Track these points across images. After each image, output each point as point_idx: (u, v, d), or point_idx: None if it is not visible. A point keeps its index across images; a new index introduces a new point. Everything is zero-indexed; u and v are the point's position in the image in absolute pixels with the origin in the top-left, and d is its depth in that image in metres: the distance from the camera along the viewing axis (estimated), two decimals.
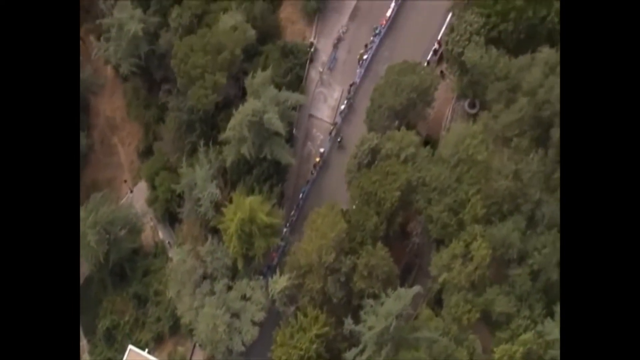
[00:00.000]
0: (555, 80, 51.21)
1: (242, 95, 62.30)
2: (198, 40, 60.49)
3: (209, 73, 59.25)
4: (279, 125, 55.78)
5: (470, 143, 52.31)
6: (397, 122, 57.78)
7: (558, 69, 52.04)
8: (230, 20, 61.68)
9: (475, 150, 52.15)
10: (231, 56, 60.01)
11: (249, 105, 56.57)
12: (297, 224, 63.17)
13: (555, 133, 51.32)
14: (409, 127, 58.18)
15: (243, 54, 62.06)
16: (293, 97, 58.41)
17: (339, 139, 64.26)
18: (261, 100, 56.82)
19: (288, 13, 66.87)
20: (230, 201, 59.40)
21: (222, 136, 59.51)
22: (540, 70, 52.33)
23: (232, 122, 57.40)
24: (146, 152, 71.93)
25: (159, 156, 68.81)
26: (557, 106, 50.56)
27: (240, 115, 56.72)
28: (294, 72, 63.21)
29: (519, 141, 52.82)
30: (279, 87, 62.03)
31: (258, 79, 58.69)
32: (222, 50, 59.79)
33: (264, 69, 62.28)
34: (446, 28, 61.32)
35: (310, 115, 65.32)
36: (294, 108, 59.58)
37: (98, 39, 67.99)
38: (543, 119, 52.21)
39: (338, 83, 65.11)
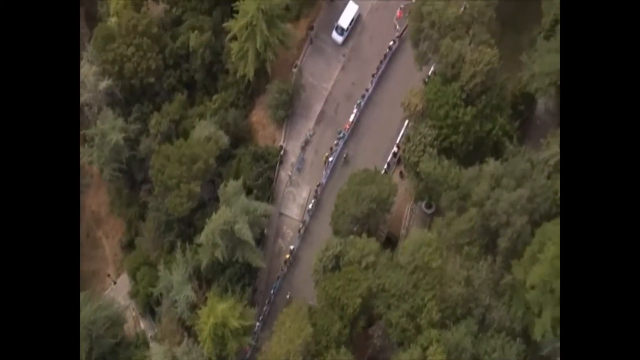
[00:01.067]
0: (500, 193, 56.08)
1: (217, 197, 66.73)
2: (174, 151, 64.98)
3: (184, 183, 63.66)
4: (248, 235, 60.01)
5: (425, 251, 56.36)
6: (358, 226, 62.20)
7: (503, 181, 56.98)
8: (204, 130, 66.51)
9: (431, 257, 56.13)
10: (205, 166, 64.56)
11: (222, 215, 60.83)
12: (269, 319, 66.87)
13: (502, 242, 55.91)
14: (371, 229, 62.63)
15: (217, 159, 66.79)
16: (262, 207, 62.82)
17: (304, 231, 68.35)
18: (232, 210, 61.15)
19: (259, 117, 71.74)
20: (205, 301, 63.24)
21: (198, 240, 63.74)
22: (487, 182, 57.03)
23: (206, 229, 61.61)
24: (129, 246, 76.05)
25: (140, 252, 72.76)
26: (503, 218, 55.42)
27: (213, 223, 61.01)
28: (265, 176, 67.64)
29: (470, 249, 57.20)
30: (250, 190, 66.73)
31: (230, 188, 63.16)
32: (196, 160, 64.30)
33: (237, 173, 66.97)
34: (403, 135, 66.35)
35: (281, 214, 69.60)
36: (265, 215, 63.83)
37: (82, 144, 72.53)
38: (491, 229, 56.71)
39: (306, 183, 69.63)
